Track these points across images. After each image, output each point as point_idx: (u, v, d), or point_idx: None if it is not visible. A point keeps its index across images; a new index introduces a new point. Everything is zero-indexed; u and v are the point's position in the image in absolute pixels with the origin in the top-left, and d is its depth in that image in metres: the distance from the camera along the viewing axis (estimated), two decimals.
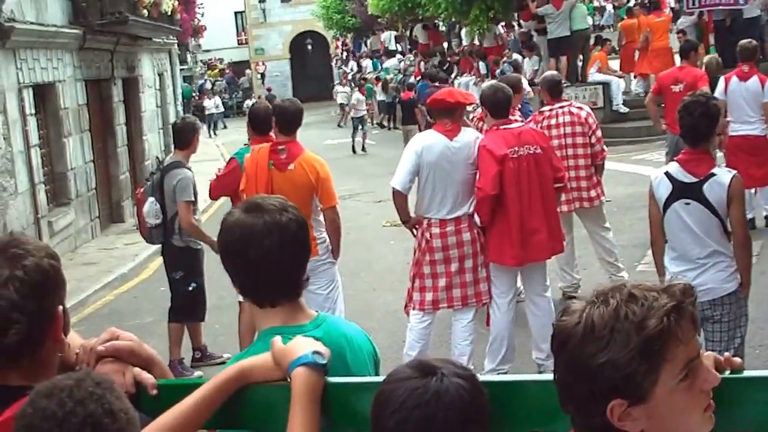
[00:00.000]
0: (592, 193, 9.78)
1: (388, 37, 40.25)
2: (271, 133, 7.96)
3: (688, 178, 5.73)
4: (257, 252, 2.75)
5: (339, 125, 38.16)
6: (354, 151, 29.05)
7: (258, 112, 8.68)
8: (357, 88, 33.04)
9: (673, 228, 5.85)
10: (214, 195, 9.54)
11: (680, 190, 5.74)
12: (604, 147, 9.98)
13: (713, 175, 5.70)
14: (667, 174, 5.83)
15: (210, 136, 39.77)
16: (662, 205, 5.83)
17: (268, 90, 48.59)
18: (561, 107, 9.76)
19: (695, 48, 13.58)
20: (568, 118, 9.63)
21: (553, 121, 9.63)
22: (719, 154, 12.15)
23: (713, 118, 5.83)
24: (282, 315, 2.83)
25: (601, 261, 10.11)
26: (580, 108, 9.93)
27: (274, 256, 2.76)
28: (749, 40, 12.42)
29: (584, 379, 1.92)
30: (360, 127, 29.76)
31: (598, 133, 9.79)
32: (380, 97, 34.48)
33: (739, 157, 11.42)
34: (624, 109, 22.21)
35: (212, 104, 43.82)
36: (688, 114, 5.79)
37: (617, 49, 25.94)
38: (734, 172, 5.86)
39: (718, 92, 11.70)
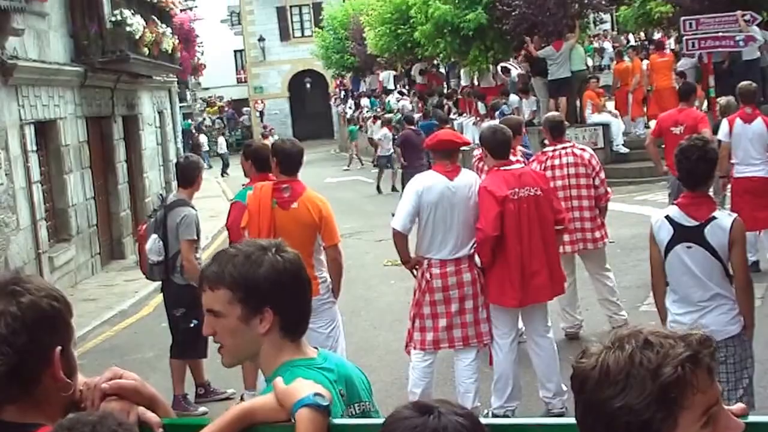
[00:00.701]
0: (597, 235, 9.81)
1: (387, 76, 40.39)
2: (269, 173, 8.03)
3: (689, 222, 5.75)
4: (304, 282, 2.92)
5: (347, 168, 37.30)
6: (379, 191, 27.43)
7: (260, 150, 8.74)
8: (383, 125, 30.70)
9: (674, 271, 5.85)
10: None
11: (682, 234, 5.76)
12: (608, 189, 10.04)
13: (714, 218, 5.72)
14: (667, 217, 5.84)
15: (222, 175, 39.77)
16: (663, 248, 5.84)
17: (265, 128, 48.74)
18: (564, 148, 9.80)
19: (694, 90, 13.67)
20: (571, 159, 9.67)
21: (556, 162, 9.68)
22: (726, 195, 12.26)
23: (711, 162, 5.86)
24: (299, 349, 2.89)
25: (602, 302, 10.12)
26: (583, 149, 9.99)
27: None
28: (749, 82, 12.48)
29: (603, 421, 1.94)
30: (388, 165, 27.62)
31: (602, 174, 9.85)
32: (376, 135, 34.29)
33: (744, 199, 11.48)
34: (624, 150, 22.29)
35: (222, 143, 44.04)
36: (686, 158, 5.81)
37: (610, 89, 26.06)
38: (735, 215, 5.89)
39: (722, 135, 11.77)
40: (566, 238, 9.29)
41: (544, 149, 10.18)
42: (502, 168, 7.66)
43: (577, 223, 9.63)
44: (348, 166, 37.29)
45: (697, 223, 5.73)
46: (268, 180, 7.92)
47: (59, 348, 2.42)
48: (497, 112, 21.96)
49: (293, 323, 2.89)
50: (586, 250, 9.89)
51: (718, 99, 13.90)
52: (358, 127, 39.41)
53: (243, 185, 9.18)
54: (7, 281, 2.41)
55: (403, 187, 20.48)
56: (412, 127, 22.22)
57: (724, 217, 5.78)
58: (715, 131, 12.04)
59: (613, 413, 1.91)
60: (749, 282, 5.85)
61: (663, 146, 12.71)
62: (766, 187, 11.62)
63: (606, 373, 1.93)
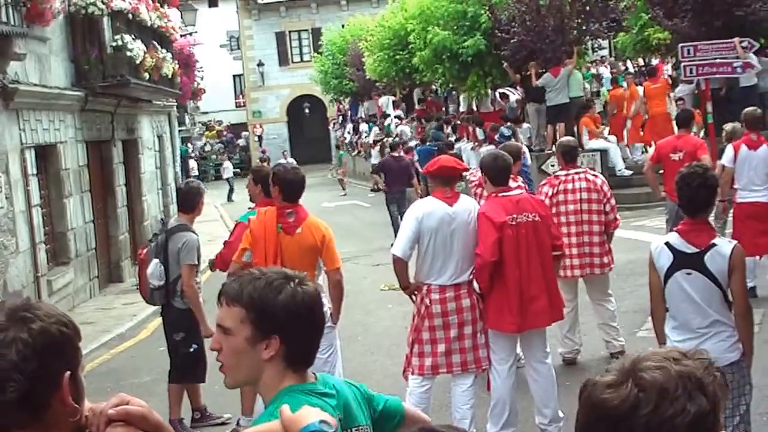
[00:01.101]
0: (604, 260, 9.91)
1: (385, 101, 40.53)
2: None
3: (689, 249, 5.77)
4: (319, 317, 2.99)
5: (343, 194, 37.03)
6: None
7: (264, 174, 8.79)
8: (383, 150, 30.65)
9: (674, 298, 5.87)
10: (222, 265, 9.00)
11: (682, 261, 5.78)
12: (618, 216, 10.14)
13: (714, 245, 5.74)
14: (667, 244, 5.87)
15: (229, 200, 39.73)
16: (663, 275, 5.86)
17: (263, 152, 48.81)
18: (577, 173, 9.91)
19: (693, 117, 13.74)
20: (584, 184, 9.78)
21: (569, 186, 9.78)
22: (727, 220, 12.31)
23: (712, 189, 5.89)
24: (300, 375, 2.94)
25: (602, 326, 10.15)
26: (596, 175, 10.16)
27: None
28: (754, 108, 12.54)
29: None
30: None
31: (612, 201, 9.95)
32: (375, 160, 34.34)
33: (746, 224, 11.56)
34: (628, 173, 22.37)
35: (228, 167, 44.03)
36: (687, 185, 5.84)
37: (605, 116, 26.16)
38: (735, 242, 5.92)
39: (727, 160, 11.82)
40: (575, 262, 9.54)
41: (557, 173, 10.26)
42: (500, 194, 7.71)
43: (586, 248, 9.77)
44: (344, 191, 37.28)
45: (697, 250, 5.75)
46: (274, 205, 7.98)
47: (68, 373, 2.45)
48: (497, 135, 22.12)
49: (299, 355, 2.93)
50: (593, 275, 9.98)
51: (725, 125, 13.93)
52: (346, 151, 39.48)
53: (249, 208, 9.23)
54: (17, 308, 2.43)
55: (389, 211, 20.73)
56: (394, 154, 22.41)
57: (724, 244, 5.81)
58: (720, 156, 12.08)
59: (687, 426, 1.99)
60: (749, 309, 5.87)
61: (661, 172, 12.76)
62: None
63: (664, 391, 1.99)
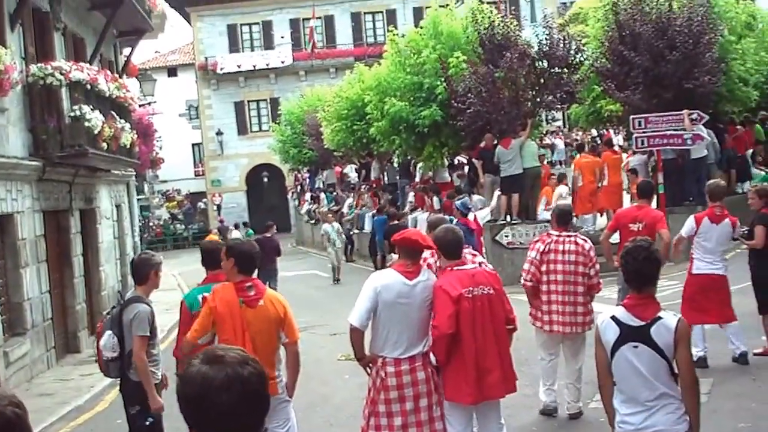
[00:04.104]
0: (587, 319, 10.39)
1: (349, 169, 40.87)
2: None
3: (635, 322, 5.87)
4: (217, 406, 2.75)
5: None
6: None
7: (213, 249, 8.90)
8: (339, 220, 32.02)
9: (621, 371, 5.94)
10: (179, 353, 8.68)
11: (628, 334, 5.87)
12: (600, 280, 10.60)
13: (660, 318, 5.84)
14: (613, 318, 5.96)
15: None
16: (610, 348, 5.94)
17: (221, 222, 48.72)
18: (568, 236, 10.51)
19: (653, 188, 14.02)
20: (573, 247, 10.37)
21: (560, 247, 10.35)
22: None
23: (657, 263, 6.01)
24: None
25: (568, 385, 10.52)
26: (585, 240, 10.61)
27: (234, 409, 2.75)
28: (718, 180, 12.80)
29: None
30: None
31: (597, 266, 10.53)
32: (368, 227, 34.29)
33: (699, 294, 11.91)
34: None
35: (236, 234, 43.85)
36: (633, 259, 5.96)
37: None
38: (680, 315, 6.01)
39: (686, 231, 12.11)
40: (561, 318, 10.25)
41: (550, 231, 10.76)
42: (455, 268, 7.84)
43: (570, 307, 10.34)
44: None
45: (643, 323, 5.84)
46: (222, 279, 8.05)
47: None
48: (459, 204, 22.35)
49: None
50: (575, 333, 10.48)
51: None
52: (315, 220, 39.52)
53: (198, 284, 9.24)
54: None
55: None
56: (266, 234, 25.07)
57: (670, 317, 5.89)
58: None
59: None
60: (695, 381, 5.94)
61: (616, 242, 12.95)
62: (723, 284, 11.95)
63: None
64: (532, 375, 11.71)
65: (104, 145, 19.81)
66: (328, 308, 22.12)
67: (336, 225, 29.96)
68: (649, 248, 6.02)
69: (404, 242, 7.87)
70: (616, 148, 27.18)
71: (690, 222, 12.21)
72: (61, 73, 17.76)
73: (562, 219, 10.72)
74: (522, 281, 10.63)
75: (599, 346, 6.05)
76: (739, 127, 26.58)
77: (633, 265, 5.97)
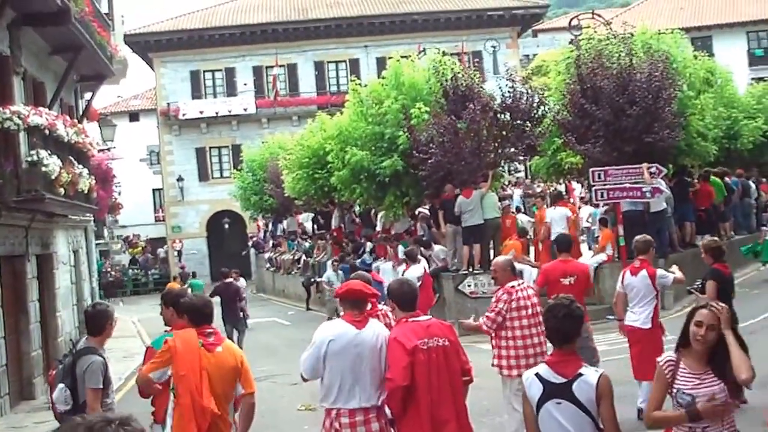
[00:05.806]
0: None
1: (305, 218, 40.75)
2: None
3: (557, 379, 5.94)
4: None
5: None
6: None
7: (173, 296, 8.86)
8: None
9: (547, 427, 5.97)
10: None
11: (551, 391, 5.93)
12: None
13: (581, 375, 5.92)
14: (537, 375, 6.04)
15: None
16: (535, 405, 6.00)
17: (182, 268, 48.43)
18: (529, 286, 10.93)
19: (572, 242, 14.46)
20: (535, 299, 10.69)
21: (522, 294, 10.64)
22: None
23: (578, 319, 6.10)
24: None
25: None
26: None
27: None
28: (644, 235, 13.08)
29: None
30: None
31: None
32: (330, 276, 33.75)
33: (634, 348, 12.33)
34: None
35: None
36: (553, 316, 6.05)
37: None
38: (602, 371, 6.07)
39: (618, 285, 12.48)
40: (527, 362, 10.20)
41: (512, 283, 10.78)
42: (410, 319, 7.81)
43: (539, 348, 10.36)
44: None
45: (565, 380, 5.92)
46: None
47: None
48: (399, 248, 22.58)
49: None
50: None
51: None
52: (276, 267, 39.42)
53: (165, 331, 9.21)
54: None
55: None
56: (227, 280, 25.36)
57: (591, 374, 5.96)
58: None
59: None
60: None
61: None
62: (647, 337, 12.08)
63: None
64: (493, 426, 11.67)
65: (61, 190, 19.63)
66: (288, 357, 21.94)
67: (340, 273, 28.77)
68: (570, 305, 6.08)
69: (348, 294, 7.90)
70: (574, 201, 27.31)
71: (620, 276, 12.64)
72: (20, 117, 17.61)
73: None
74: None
75: (526, 402, 6.12)
76: (695, 180, 26.78)
77: (553, 322, 6.07)
